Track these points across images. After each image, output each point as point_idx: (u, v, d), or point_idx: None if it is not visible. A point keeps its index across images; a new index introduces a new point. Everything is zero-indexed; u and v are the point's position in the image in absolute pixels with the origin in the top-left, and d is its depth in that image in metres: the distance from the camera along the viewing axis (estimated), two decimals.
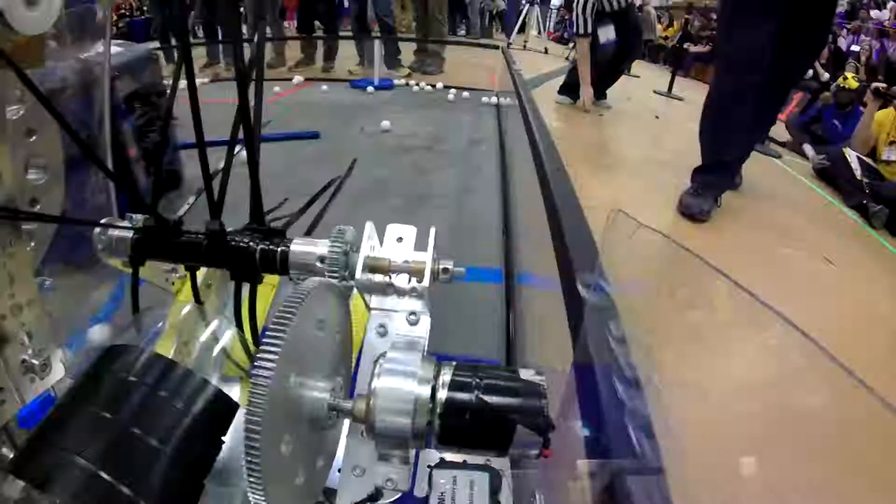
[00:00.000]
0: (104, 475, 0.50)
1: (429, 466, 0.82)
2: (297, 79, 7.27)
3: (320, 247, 0.71)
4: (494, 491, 0.78)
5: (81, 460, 0.50)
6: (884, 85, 4.44)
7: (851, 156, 3.98)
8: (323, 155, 4.45)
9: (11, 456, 0.59)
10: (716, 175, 2.77)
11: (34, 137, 0.68)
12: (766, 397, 0.73)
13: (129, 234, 0.75)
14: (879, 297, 2.26)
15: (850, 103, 5.39)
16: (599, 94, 5.20)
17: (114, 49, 3.07)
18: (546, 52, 10.23)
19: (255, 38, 0.67)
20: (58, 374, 0.72)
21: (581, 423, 0.84)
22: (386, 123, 5.18)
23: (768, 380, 0.72)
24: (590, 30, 4.62)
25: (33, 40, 0.58)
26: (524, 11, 11.90)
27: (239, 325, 0.76)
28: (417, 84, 7.19)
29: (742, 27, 2.55)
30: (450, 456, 0.83)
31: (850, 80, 5.51)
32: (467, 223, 3.29)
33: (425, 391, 0.56)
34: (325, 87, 7.02)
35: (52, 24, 0.58)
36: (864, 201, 3.53)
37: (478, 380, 0.57)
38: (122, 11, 12.73)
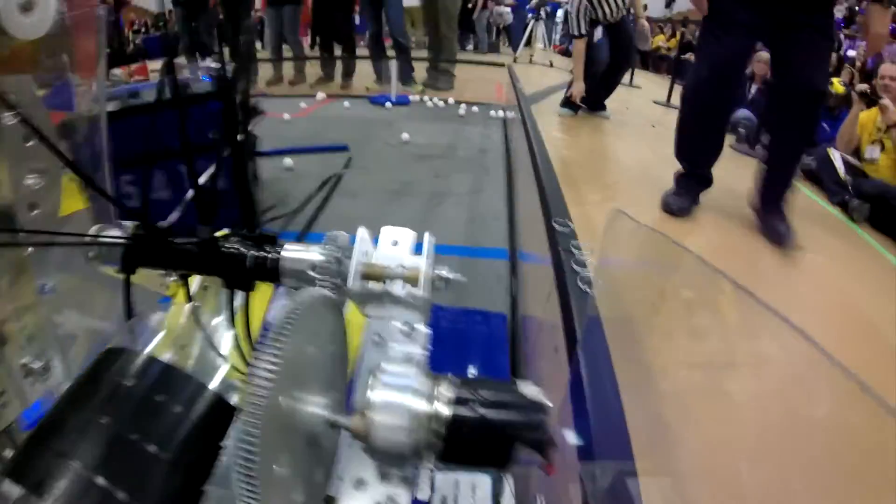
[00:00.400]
0: (100, 480, 0.48)
1: (430, 469, 0.79)
2: (321, 95, 7.33)
3: (312, 253, 0.67)
4: (496, 494, 0.76)
5: (77, 465, 0.48)
6: (867, 86, 4.45)
7: (835, 155, 4.05)
8: (353, 163, 4.72)
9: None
10: (694, 180, 2.96)
11: (32, 142, 0.66)
12: (765, 396, 0.70)
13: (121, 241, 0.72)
14: (846, 277, 2.46)
15: (837, 107, 5.38)
16: (598, 106, 5.45)
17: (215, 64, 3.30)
18: (551, 65, 10.24)
19: (241, 43, 0.64)
20: (58, 377, 0.70)
21: (582, 426, 0.82)
22: (406, 136, 5.36)
23: (766, 379, 0.69)
24: (584, 31, 4.86)
25: (28, 46, 0.56)
26: (530, 26, 11.91)
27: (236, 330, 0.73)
28: (431, 100, 7.24)
29: (711, 43, 2.58)
30: None
31: (836, 84, 5.51)
32: (479, 215, 3.70)
33: (424, 406, 0.53)
34: (346, 103, 7.09)
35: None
36: (846, 197, 3.59)
37: (477, 395, 0.54)
38: (136, 28, 12.63)
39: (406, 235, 0.68)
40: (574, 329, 1.22)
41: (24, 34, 0.53)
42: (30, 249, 0.69)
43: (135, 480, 0.50)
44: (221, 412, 0.59)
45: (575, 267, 1.48)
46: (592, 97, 5.33)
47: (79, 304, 0.81)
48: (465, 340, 2.29)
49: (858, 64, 8.15)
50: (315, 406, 0.55)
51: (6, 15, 0.52)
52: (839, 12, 11.03)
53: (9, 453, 0.68)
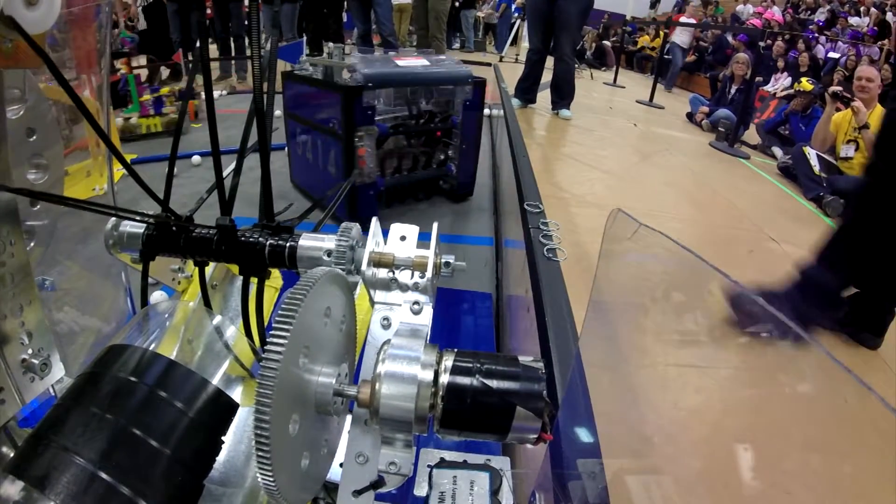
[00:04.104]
0: (103, 475, 0.48)
1: (429, 466, 0.80)
2: None
3: (327, 242, 0.70)
4: (495, 490, 0.76)
5: (81, 460, 0.48)
6: (839, 88, 4.52)
7: (811, 153, 4.14)
8: None
9: (11, 455, 0.56)
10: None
11: (34, 137, 0.65)
12: (762, 394, 0.70)
13: (142, 228, 0.74)
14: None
15: (809, 105, 5.44)
16: (529, 98, 5.55)
17: (418, 62, 3.47)
18: None
19: (269, 48, 0.66)
20: (58, 374, 0.69)
21: (580, 423, 0.82)
22: None
23: (764, 377, 0.69)
24: None
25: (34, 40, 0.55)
26: (516, 25, 11.92)
27: (245, 320, 0.74)
28: None
29: None
30: (450, 456, 0.81)
31: (805, 83, 5.57)
32: (467, 207, 3.90)
33: (428, 375, 0.55)
34: None
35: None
36: (821, 193, 3.69)
37: (478, 365, 0.56)
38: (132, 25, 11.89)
39: (412, 231, 0.69)
40: (540, 288, 1.46)
41: (30, 28, 0.52)
42: (31, 244, 0.68)
43: (137, 475, 0.49)
44: (223, 407, 0.60)
45: (542, 240, 1.81)
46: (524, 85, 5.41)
47: (79, 302, 0.81)
48: (456, 318, 2.53)
49: (849, 66, 8.19)
50: (325, 376, 0.56)
51: (11, 9, 0.51)
52: (821, 15, 11.13)
53: (7, 450, 0.67)
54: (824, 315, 2.07)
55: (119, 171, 1.16)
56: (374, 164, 3.32)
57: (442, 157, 3.83)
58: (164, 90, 5.80)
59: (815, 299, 2.06)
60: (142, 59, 7.73)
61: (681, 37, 10.75)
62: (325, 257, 0.69)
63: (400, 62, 3.41)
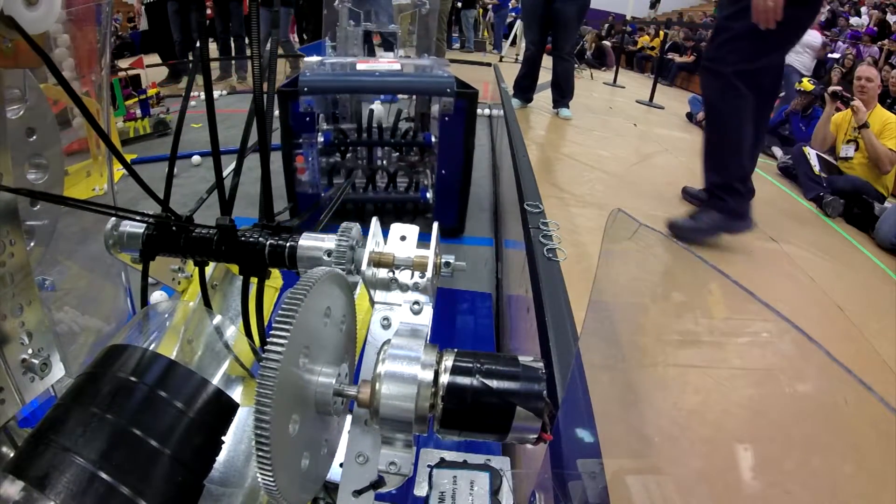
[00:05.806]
0: (103, 475, 0.48)
1: (429, 466, 0.80)
2: None
3: (327, 242, 0.70)
4: (495, 490, 0.76)
5: (81, 460, 0.48)
6: (839, 88, 4.51)
7: (811, 153, 4.11)
8: None
9: (11, 455, 0.56)
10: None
11: (34, 137, 0.65)
12: (763, 394, 0.70)
13: (142, 228, 0.74)
14: (821, 269, 2.54)
15: (809, 105, 5.43)
16: (526, 97, 5.55)
17: (388, 67, 3.16)
18: None
19: (269, 49, 0.66)
20: (58, 374, 0.69)
21: (580, 423, 0.82)
22: None
23: (764, 377, 0.69)
24: None
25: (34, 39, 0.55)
26: (516, 25, 11.91)
27: (245, 320, 0.74)
28: None
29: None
30: (450, 456, 0.81)
31: (805, 83, 5.55)
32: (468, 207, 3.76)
33: (428, 375, 0.55)
34: None
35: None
36: (821, 193, 3.66)
37: (478, 365, 0.56)
38: (132, 24, 11.83)
39: (412, 231, 0.70)
40: (540, 288, 1.48)
41: (30, 28, 0.52)
42: (31, 244, 0.68)
43: (137, 475, 0.49)
44: (223, 407, 0.60)
45: (542, 240, 1.82)
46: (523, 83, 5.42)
47: (79, 302, 0.81)
48: (456, 318, 2.55)
49: (847, 65, 8.17)
50: (325, 376, 0.56)
51: (11, 9, 0.51)
52: (822, 14, 11.13)
53: (7, 450, 0.67)
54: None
55: (119, 171, 1.16)
56: (317, 174, 2.87)
57: (413, 180, 3.45)
58: (151, 92, 5.73)
59: None
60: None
61: (800, 58, 7.55)
62: (325, 257, 0.69)
63: (362, 66, 3.00)
